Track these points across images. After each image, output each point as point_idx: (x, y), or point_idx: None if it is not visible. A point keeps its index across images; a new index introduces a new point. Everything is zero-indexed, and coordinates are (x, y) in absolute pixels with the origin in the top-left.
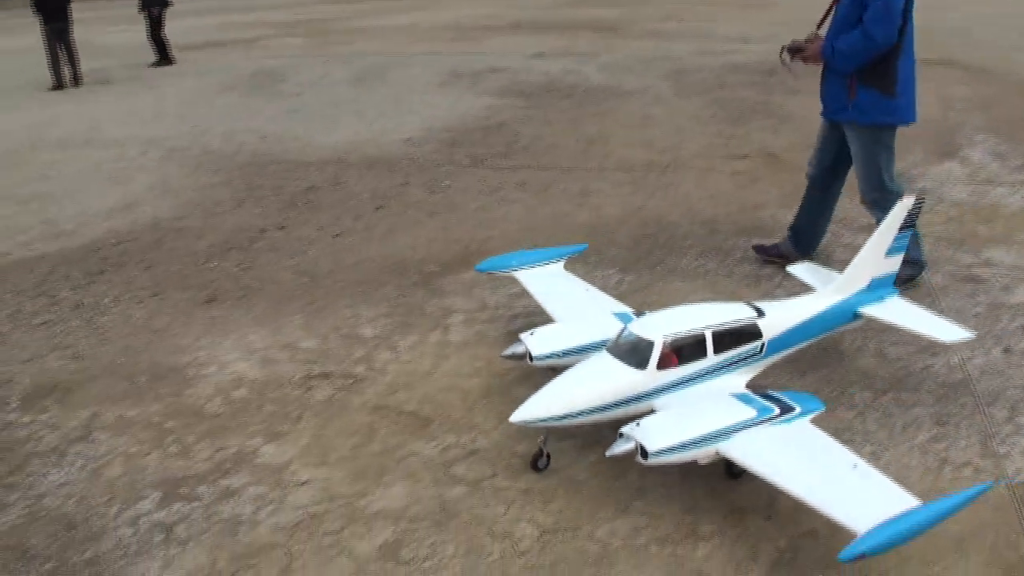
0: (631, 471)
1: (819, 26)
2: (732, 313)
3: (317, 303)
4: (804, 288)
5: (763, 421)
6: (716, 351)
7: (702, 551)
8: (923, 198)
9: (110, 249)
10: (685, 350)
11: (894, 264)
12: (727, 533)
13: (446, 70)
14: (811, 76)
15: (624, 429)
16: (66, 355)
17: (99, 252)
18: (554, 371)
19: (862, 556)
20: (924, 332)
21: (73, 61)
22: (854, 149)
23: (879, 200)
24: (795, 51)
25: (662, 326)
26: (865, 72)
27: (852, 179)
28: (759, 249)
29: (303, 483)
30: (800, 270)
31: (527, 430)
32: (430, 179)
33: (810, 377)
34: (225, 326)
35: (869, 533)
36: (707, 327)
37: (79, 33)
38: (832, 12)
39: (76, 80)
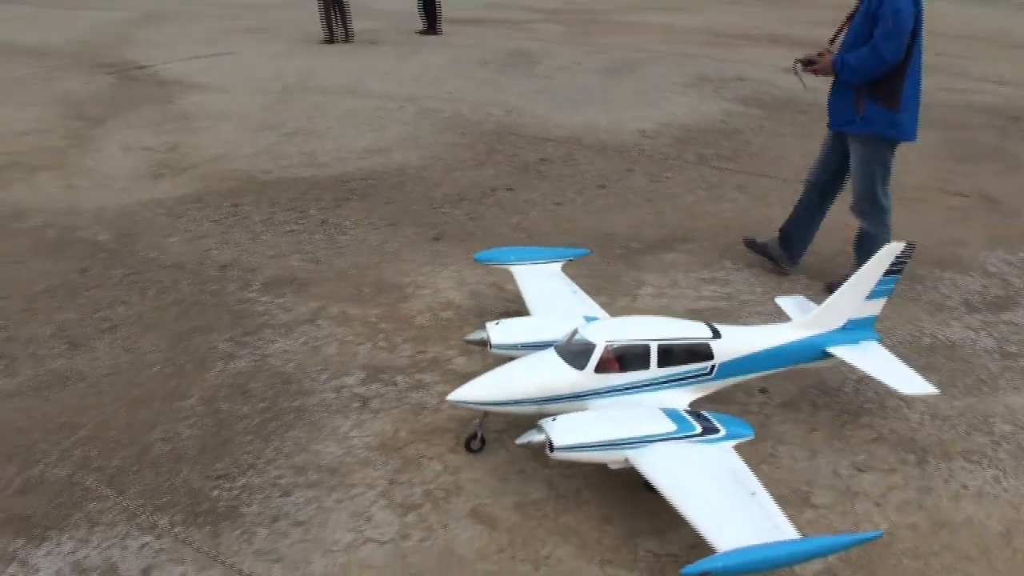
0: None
1: (832, 41)
2: (685, 330)
3: None
4: None
5: (681, 437)
6: (660, 364)
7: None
8: (913, 244)
9: (358, 182)
10: (627, 358)
11: (875, 308)
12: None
13: (694, 72)
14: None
15: (541, 421)
16: (306, 258)
17: (348, 184)
18: None
19: (706, 574)
20: (887, 381)
21: (345, 20)
22: (853, 160)
23: (868, 212)
24: (808, 63)
25: (608, 332)
26: (873, 86)
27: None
28: (750, 244)
29: None
30: (786, 302)
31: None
32: (655, 169)
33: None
34: (445, 260)
35: (725, 553)
36: (654, 340)
37: None
38: (846, 28)
39: (347, 37)
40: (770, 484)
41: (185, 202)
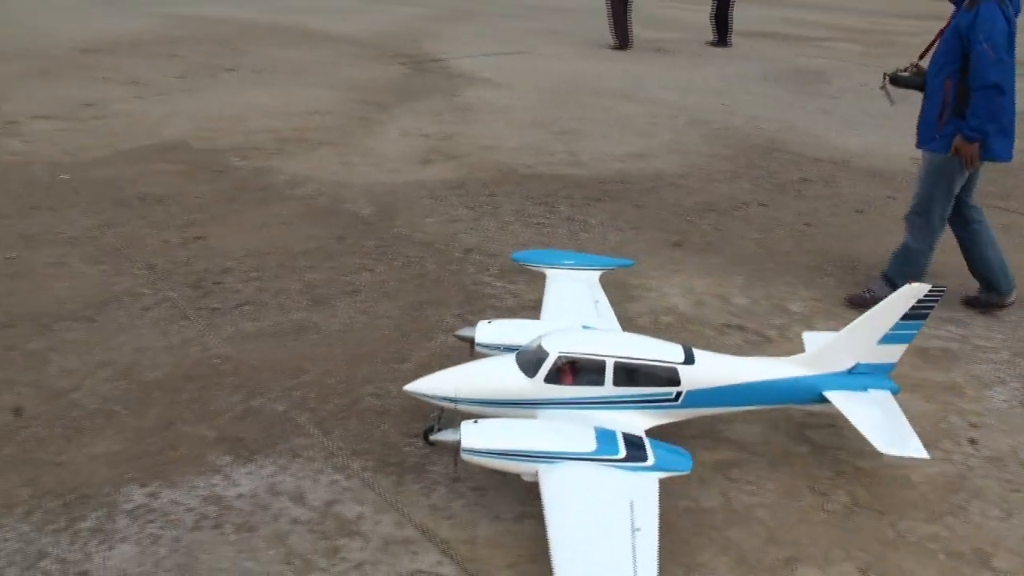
0: None
1: (921, 57)
2: (652, 351)
3: (763, 272)
4: None
5: (597, 459)
6: (616, 383)
7: None
8: (942, 288)
9: (613, 185)
10: (580, 372)
11: (892, 354)
12: None
13: None
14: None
15: (462, 422)
16: None
17: (603, 185)
18: None
19: None
20: (868, 434)
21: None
22: (920, 171)
23: (917, 225)
24: (895, 80)
25: (566, 343)
26: (960, 104)
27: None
28: (969, 303)
29: None
30: (811, 337)
31: None
32: None
33: None
34: (680, 267)
35: None
36: (611, 356)
37: (646, 7)
38: (935, 45)
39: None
40: (951, 539)
41: (447, 187)
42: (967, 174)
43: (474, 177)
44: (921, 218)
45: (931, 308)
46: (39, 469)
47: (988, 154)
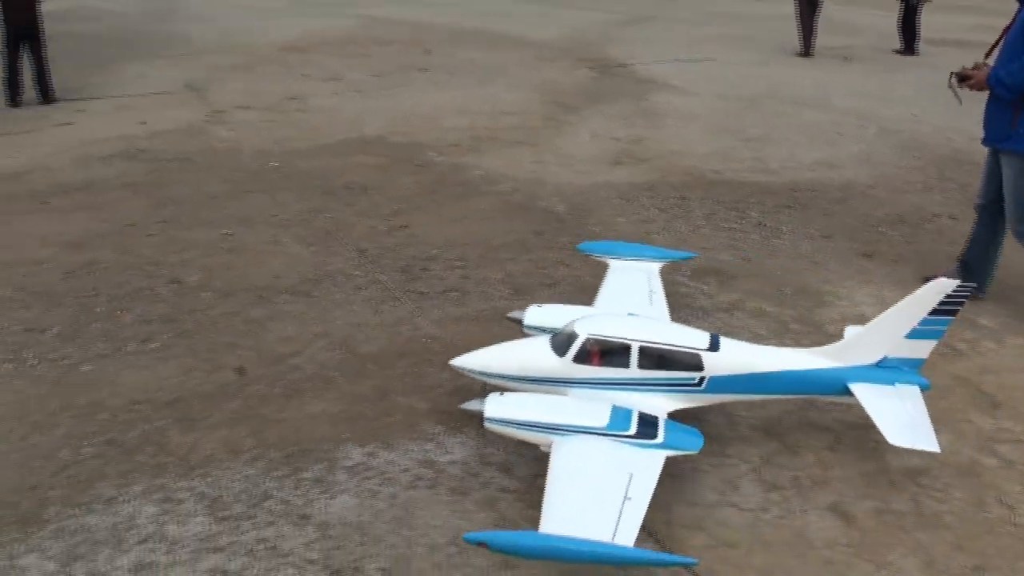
0: None
1: (987, 55)
2: (678, 337)
3: None
4: None
5: (608, 434)
6: (640, 366)
7: None
8: (971, 285)
9: (803, 193)
10: (607, 354)
11: (922, 350)
12: None
13: None
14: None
15: (489, 393)
16: (737, 254)
17: (793, 192)
18: None
19: (482, 543)
20: (882, 425)
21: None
22: (1006, 178)
23: (1019, 235)
24: (963, 78)
25: (596, 326)
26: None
27: None
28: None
29: None
30: (852, 330)
31: None
32: None
33: None
34: (870, 277)
35: (510, 532)
36: (637, 340)
37: (833, 11)
38: (1002, 41)
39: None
40: None
41: (637, 189)
42: None
43: (664, 180)
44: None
45: (960, 305)
46: (262, 423)
47: None
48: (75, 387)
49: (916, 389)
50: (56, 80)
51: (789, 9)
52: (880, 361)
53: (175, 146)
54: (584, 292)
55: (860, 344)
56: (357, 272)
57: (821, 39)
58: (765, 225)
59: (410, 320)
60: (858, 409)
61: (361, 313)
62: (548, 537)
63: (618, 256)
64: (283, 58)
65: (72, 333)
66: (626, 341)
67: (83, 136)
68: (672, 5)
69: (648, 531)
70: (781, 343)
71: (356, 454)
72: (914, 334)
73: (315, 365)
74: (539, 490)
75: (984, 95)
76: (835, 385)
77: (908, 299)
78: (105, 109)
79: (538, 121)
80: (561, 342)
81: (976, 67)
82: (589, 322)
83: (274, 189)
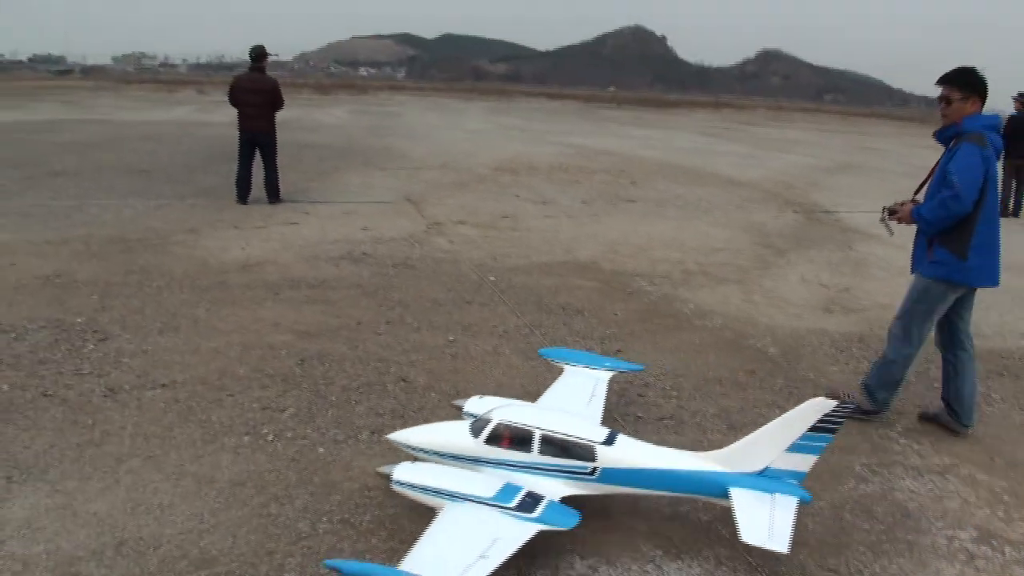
0: None
1: (916, 192)
2: (579, 430)
3: None
4: None
5: (491, 505)
6: (541, 452)
7: None
8: (849, 405)
9: (1014, 361)
10: (513, 438)
11: (802, 463)
12: None
13: None
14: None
15: (405, 461)
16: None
17: (1003, 360)
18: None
19: (336, 569)
20: (741, 524)
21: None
22: (910, 286)
23: (896, 336)
24: (892, 212)
25: (508, 414)
26: (942, 234)
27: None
28: (924, 417)
29: None
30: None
31: None
32: None
33: None
34: None
35: (358, 563)
36: (539, 428)
37: None
38: (929, 180)
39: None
40: None
41: (849, 339)
42: (949, 301)
43: (874, 334)
44: (900, 329)
45: (839, 424)
46: None
47: (968, 279)
48: (311, 466)
49: (793, 500)
50: (282, 183)
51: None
52: (763, 471)
53: (398, 253)
54: None
55: (745, 452)
56: None
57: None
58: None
59: None
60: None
61: None
62: (391, 571)
63: (572, 363)
64: (495, 178)
65: (308, 416)
66: (530, 429)
67: (309, 236)
68: (876, 154)
69: None
70: (992, 512)
71: (579, 566)
72: (795, 448)
73: None
74: None
75: None
76: (717, 488)
77: (790, 414)
78: (329, 213)
79: (747, 260)
80: (478, 426)
81: (902, 204)
82: (505, 410)
83: (492, 302)
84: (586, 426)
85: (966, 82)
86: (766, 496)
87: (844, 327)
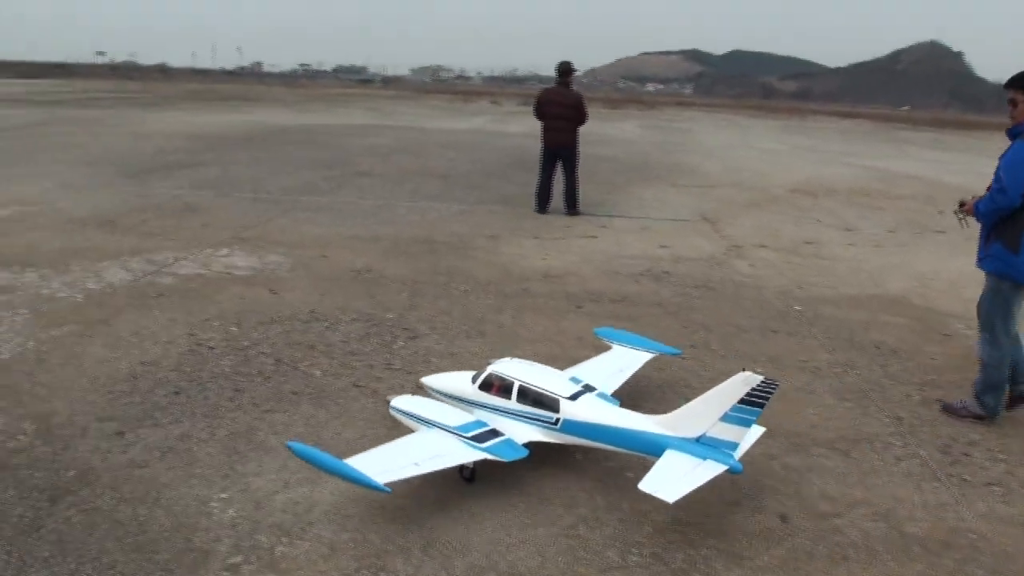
0: None
1: (988, 188)
2: (552, 383)
3: None
4: None
5: (453, 433)
6: (518, 400)
7: None
8: (772, 383)
9: None
10: (499, 387)
11: (735, 434)
12: None
13: None
14: None
15: (405, 393)
16: None
17: None
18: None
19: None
20: (648, 475)
21: None
22: (984, 289)
23: (986, 341)
24: (962, 205)
25: (501, 367)
26: (997, 227)
27: None
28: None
29: None
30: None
31: None
32: None
33: None
34: None
35: (306, 445)
36: (518, 380)
37: None
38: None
39: None
40: None
41: None
42: (1022, 295)
43: None
44: (987, 332)
45: (766, 399)
46: None
47: (1018, 275)
48: (618, 494)
49: (720, 467)
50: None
51: None
52: (700, 437)
53: (698, 273)
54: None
55: (686, 418)
56: (895, 440)
57: None
58: None
59: (954, 507)
60: None
61: (902, 486)
62: (332, 460)
63: (621, 343)
64: (793, 200)
65: None
66: (512, 380)
67: (607, 250)
68: None
69: None
70: None
71: None
72: (727, 419)
73: (858, 533)
74: None
75: None
76: (656, 448)
77: (721, 385)
78: (625, 227)
79: None
80: (477, 374)
81: (973, 198)
82: (501, 364)
83: (799, 333)
84: (560, 384)
85: None
86: (695, 460)
87: None
